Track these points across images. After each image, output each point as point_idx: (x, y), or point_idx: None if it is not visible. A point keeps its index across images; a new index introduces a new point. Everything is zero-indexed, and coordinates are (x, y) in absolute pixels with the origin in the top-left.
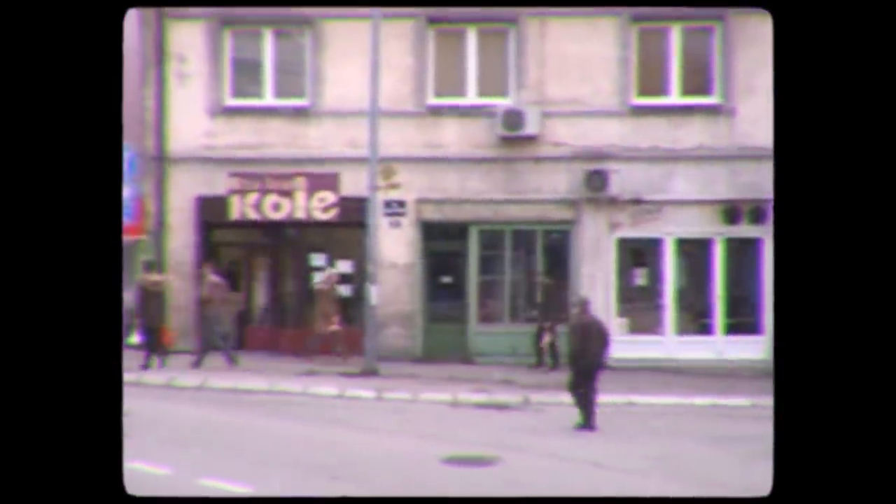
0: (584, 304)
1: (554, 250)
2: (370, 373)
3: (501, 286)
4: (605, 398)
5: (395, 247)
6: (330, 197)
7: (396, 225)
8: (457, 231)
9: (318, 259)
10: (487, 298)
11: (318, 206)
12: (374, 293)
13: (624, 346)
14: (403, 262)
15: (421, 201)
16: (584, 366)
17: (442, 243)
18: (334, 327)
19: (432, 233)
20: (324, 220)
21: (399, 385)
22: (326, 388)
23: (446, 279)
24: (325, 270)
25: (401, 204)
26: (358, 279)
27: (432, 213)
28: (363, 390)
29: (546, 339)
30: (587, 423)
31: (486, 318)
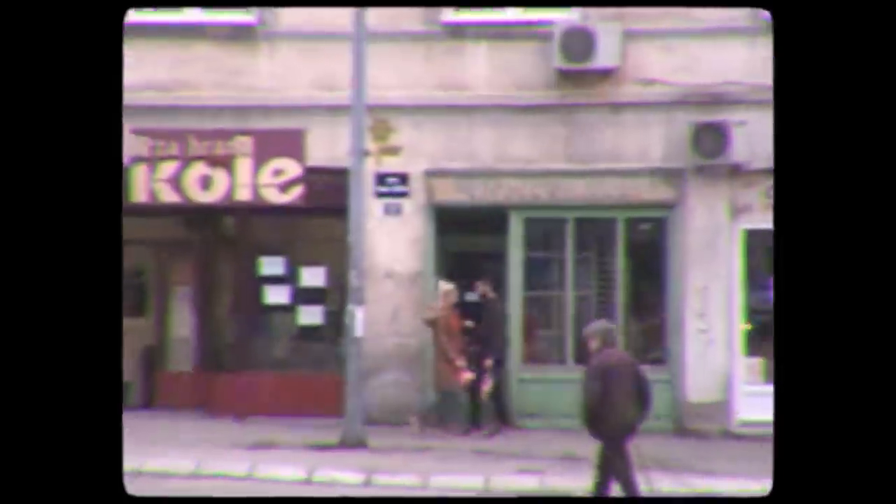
0: (606, 336)
1: (643, 249)
2: (354, 444)
3: (560, 307)
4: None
5: (392, 246)
6: (290, 168)
7: (395, 212)
8: (490, 220)
9: (271, 265)
10: (537, 327)
11: (271, 183)
12: (359, 319)
13: (755, 401)
14: (406, 270)
15: (433, 174)
16: (609, 432)
17: (466, 240)
18: (467, 376)
19: (451, 223)
20: (281, 205)
21: (399, 463)
22: (286, 468)
23: (473, 296)
24: (438, 288)
25: (402, 179)
26: (333, 297)
27: (451, 193)
28: (343, 472)
29: (487, 385)
30: None
31: (535, 356)
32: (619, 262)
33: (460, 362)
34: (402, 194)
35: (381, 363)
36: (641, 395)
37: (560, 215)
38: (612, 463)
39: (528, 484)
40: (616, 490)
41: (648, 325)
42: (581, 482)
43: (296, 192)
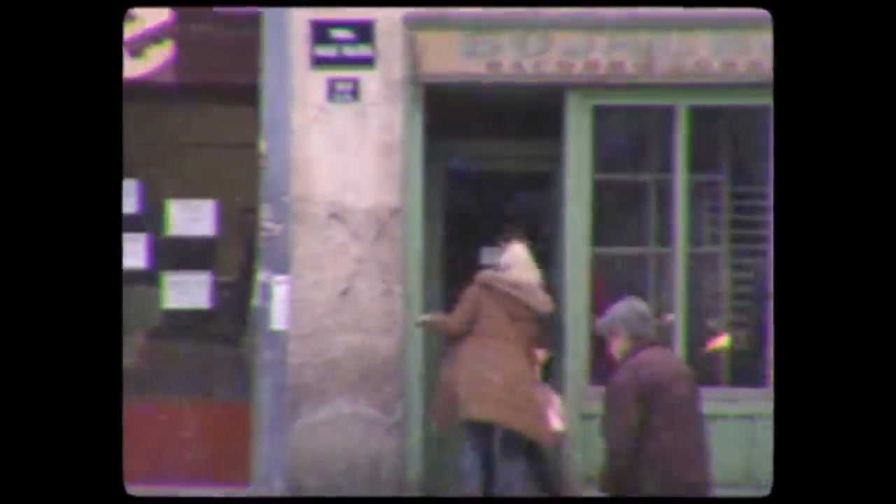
0: (638, 325)
1: None
2: None
3: (661, 276)
4: None
5: (344, 160)
6: (149, 13)
7: (349, 96)
8: (528, 113)
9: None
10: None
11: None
12: (280, 298)
13: None
14: (370, 207)
15: (421, 23)
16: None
17: (485, 149)
18: (557, 425)
19: (456, 120)
20: (134, 80)
21: None
22: None
23: (495, 256)
24: (505, 255)
25: (362, 32)
26: (231, 259)
27: (455, 60)
28: None
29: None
30: None
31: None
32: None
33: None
34: (363, 62)
35: (324, 383)
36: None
37: (663, 101)
38: None
39: None
40: None
41: None
42: None
43: (160, 57)
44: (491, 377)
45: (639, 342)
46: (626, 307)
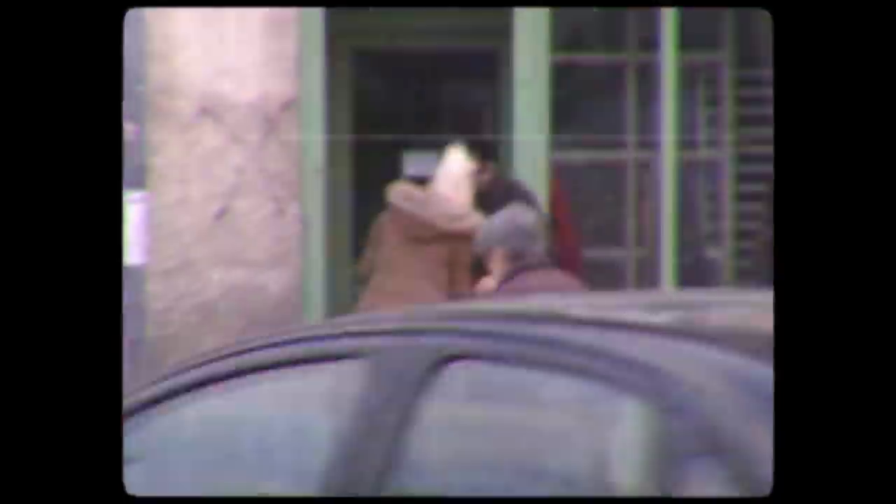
0: (519, 240)
1: None
2: None
3: (645, 184)
4: None
5: (219, 39)
6: None
7: None
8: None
9: None
10: (579, 240)
11: None
12: (136, 222)
13: None
14: (254, 99)
15: None
16: None
17: (407, 23)
18: None
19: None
20: None
21: None
22: None
23: (422, 164)
24: (445, 160)
25: None
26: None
27: None
28: None
29: None
30: None
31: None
32: None
33: None
34: None
35: (196, 332)
36: None
37: None
38: None
39: None
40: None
41: None
42: None
43: None
44: None
45: (519, 263)
46: (504, 219)
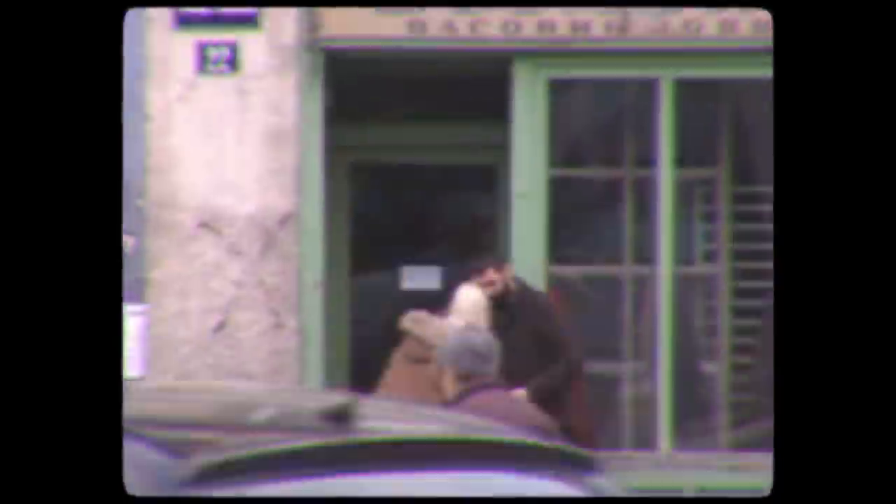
0: (476, 361)
1: None
2: None
3: (641, 299)
4: None
5: (220, 152)
6: None
7: (225, 66)
8: (465, 89)
9: None
10: (580, 359)
11: None
12: (134, 336)
13: None
14: (254, 212)
15: None
16: None
17: (407, 137)
18: None
19: (369, 98)
20: None
21: None
22: None
23: (423, 278)
24: (457, 300)
25: None
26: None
27: (367, 20)
28: None
29: None
30: None
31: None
32: None
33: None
34: (244, 21)
35: None
36: None
37: (640, 73)
38: None
39: None
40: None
41: None
42: None
43: None
44: None
45: (470, 383)
46: (458, 337)
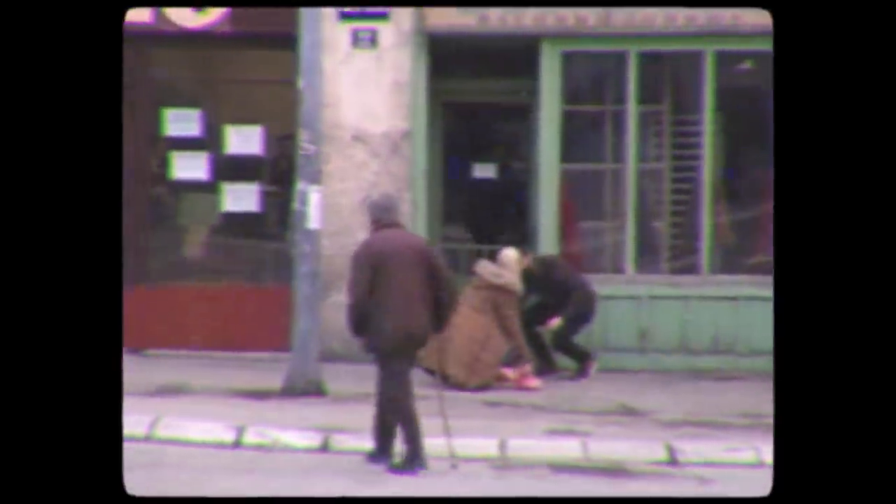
0: (380, 209)
1: (742, 101)
2: (305, 390)
3: (616, 187)
4: None
5: (364, 95)
6: None
7: (369, 43)
8: (511, 58)
9: (181, 121)
10: (576, 219)
11: None
12: (315, 204)
13: None
14: (385, 132)
15: None
16: (384, 345)
17: (475, 87)
18: (527, 383)
19: (453, 63)
20: (196, 30)
21: (370, 419)
22: (204, 425)
23: (484, 170)
24: (501, 258)
25: None
26: (276, 172)
27: (453, 16)
28: (288, 431)
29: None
30: None
31: (577, 263)
32: (706, 121)
33: (527, 367)
34: (380, 16)
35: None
36: (437, 298)
37: (617, 48)
38: (385, 390)
39: (563, 450)
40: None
41: (749, 215)
42: (641, 446)
43: (218, 12)
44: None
45: (379, 224)
46: (374, 199)
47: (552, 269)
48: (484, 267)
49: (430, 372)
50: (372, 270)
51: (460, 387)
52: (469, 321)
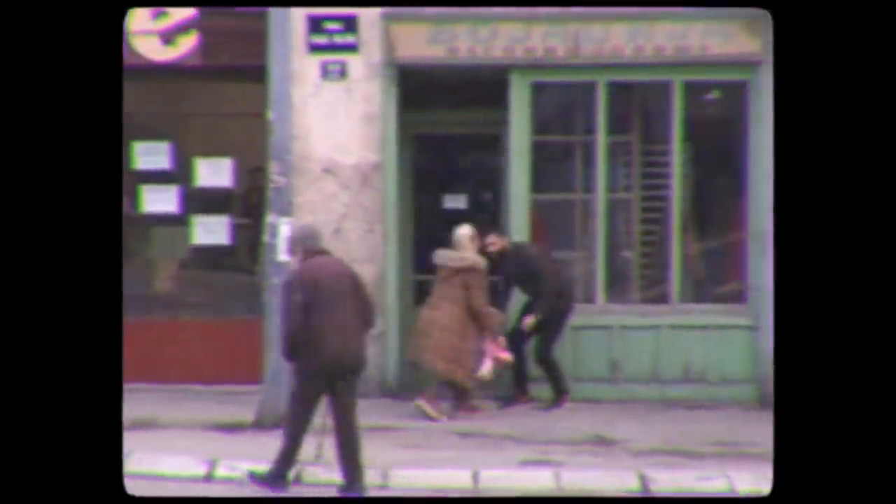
0: (307, 239)
1: (711, 130)
2: (279, 423)
3: (586, 217)
4: None
5: (334, 126)
6: (178, 9)
7: (338, 75)
8: (480, 89)
9: (151, 154)
10: (550, 249)
11: (149, 30)
12: (285, 236)
13: None
14: (355, 163)
15: (396, 18)
16: (313, 368)
17: (445, 118)
18: (504, 356)
19: (423, 94)
20: (165, 63)
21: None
22: (173, 460)
23: (455, 201)
24: (456, 235)
25: (348, 24)
26: (245, 205)
27: (423, 47)
28: (262, 465)
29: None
30: None
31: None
32: (675, 150)
33: (500, 340)
34: (349, 48)
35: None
36: (364, 316)
37: (586, 78)
38: (294, 408)
39: (536, 481)
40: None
41: (719, 243)
42: (613, 476)
43: (187, 44)
44: (445, 339)
45: (309, 252)
46: (298, 229)
47: (526, 256)
48: (444, 256)
49: (451, 385)
50: (307, 297)
51: (450, 383)
52: (444, 315)
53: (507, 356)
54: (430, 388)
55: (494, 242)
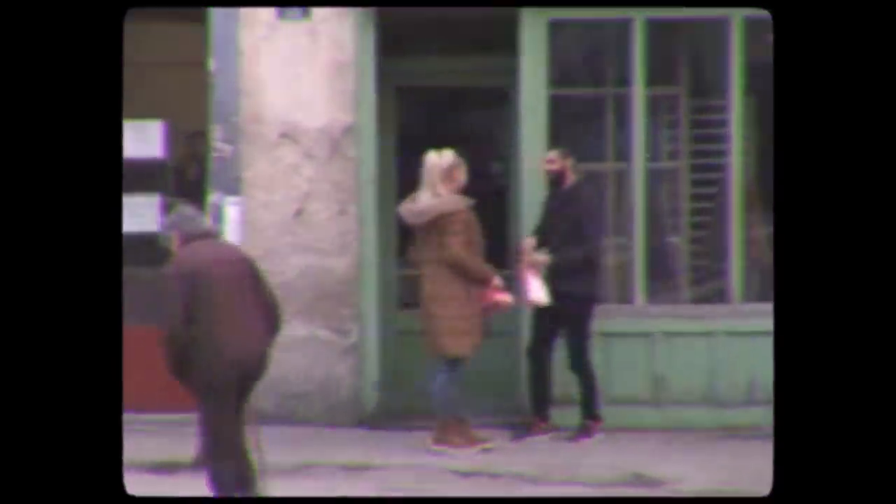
0: (185, 223)
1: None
2: None
3: (621, 193)
4: None
5: (294, 80)
6: None
7: (299, 14)
8: (481, 31)
9: None
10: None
11: None
12: (232, 220)
13: None
14: (321, 127)
15: None
16: (208, 379)
17: (438, 66)
18: (505, 299)
19: (406, 39)
20: None
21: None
22: None
23: None
24: (426, 163)
25: None
26: (184, 184)
27: None
28: None
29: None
30: None
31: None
32: (734, 106)
33: (497, 282)
34: None
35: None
36: (268, 313)
37: (619, 15)
38: (213, 429)
39: None
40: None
41: None
42: None
43: None
44: (437, 310)
45: (190, 237)
46: (174, 214)
47: (587, 195)
48: (407, 210)
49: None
50: (187, 294)
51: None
52: (438, 282)
53: (507, 298)
54: (442, 420)
55: (554, 161)
